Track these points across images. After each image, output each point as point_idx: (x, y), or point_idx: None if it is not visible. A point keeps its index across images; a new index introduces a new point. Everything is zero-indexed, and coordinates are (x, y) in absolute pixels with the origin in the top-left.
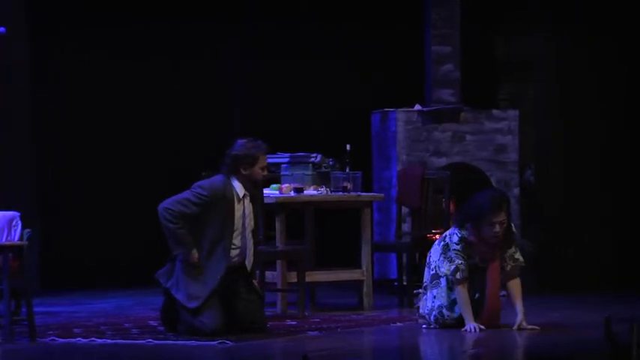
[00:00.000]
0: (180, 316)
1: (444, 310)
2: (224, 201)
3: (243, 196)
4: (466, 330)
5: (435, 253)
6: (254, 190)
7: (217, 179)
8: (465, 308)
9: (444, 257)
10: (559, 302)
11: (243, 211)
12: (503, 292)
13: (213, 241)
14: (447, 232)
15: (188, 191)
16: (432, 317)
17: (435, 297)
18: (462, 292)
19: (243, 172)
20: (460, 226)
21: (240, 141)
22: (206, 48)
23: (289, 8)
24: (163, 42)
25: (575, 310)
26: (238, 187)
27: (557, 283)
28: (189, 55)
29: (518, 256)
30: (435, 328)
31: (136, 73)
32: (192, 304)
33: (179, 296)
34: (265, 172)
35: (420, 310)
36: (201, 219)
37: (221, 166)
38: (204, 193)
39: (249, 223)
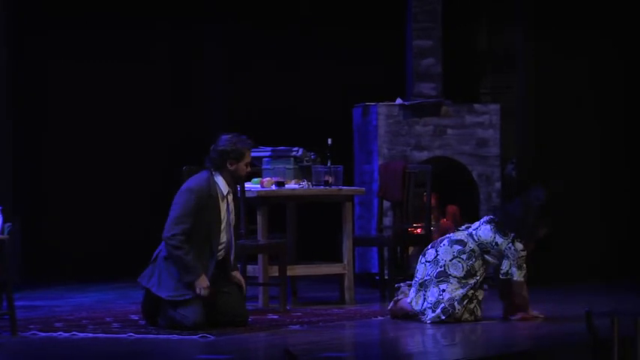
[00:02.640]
0: (161, 310)
1: (456, 304)
2: (210, 200)
3: (227, 193)
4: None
5: (445, 253)
6: (235, 185)
7: (201, 178)
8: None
9: (512, 263)
10: (542, 295)
11: (227, 207)
12: (485, 286)
13: (203, 240)
14: (472, 236)
15: (177, 204)
16: (438, 309)
17: (444, 291)
18: (527, 290)
19: (230, 168)
20: (522, 238)
21: (225, 136)
22: (187, 43)
23: (270, 4)
24: (146, 39)
25: (558, 303)
26: (222, 184)
27: (538, 277)
28: (169, 49)
29: None
30: (434, 320)
31: (117, 68)
32: (180, 297)
33: (162, 293)
34: (249, 169)
35: (407, 301)
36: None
37: (205, 161)
38: (192, 197)
39: (232, 218)
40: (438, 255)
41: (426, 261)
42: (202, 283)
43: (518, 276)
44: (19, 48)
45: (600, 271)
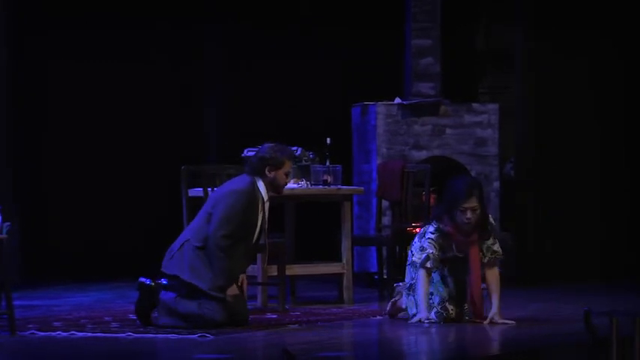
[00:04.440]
0: (179, 307)
1: (447, 304)
2: (254, 202)
3: (266, 200)
4: (418, 320)
5: (416, 251)
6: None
7: (245, 181)
8: (422, 296)
9: (418, 247)
10: (539, 295)
11: (264, 214)
12: (483, 285)
13: (237, 242)
14: (425, 229)
15: (224, 205)
16: (432, 314)
17: (432, 294)
18: (423, 279)
19: (268, 175)
20: (437, 219)
21: (267, 144)
22: (187, 43)
23: (270, 4)
24: (146, 39)
25: (558, 303)
26: (263, 190)
27: (537, 276)
28: (169, 49)
29: (496, 247)
30: (434, 324)
31: (117, 68)
32: (221, 295)
33: (200, 283)
34: (288, 179)
35: (403, 307)
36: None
37: (245, 166)
38: (241, 198)
39: (265, 224)
40: (413, 255)
41: (408, 264)
42: (231, 292)
43: (412, 257)
44: (19, 48)
45: (600, 271)
